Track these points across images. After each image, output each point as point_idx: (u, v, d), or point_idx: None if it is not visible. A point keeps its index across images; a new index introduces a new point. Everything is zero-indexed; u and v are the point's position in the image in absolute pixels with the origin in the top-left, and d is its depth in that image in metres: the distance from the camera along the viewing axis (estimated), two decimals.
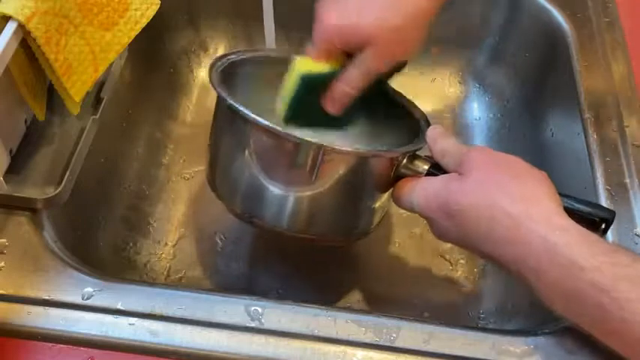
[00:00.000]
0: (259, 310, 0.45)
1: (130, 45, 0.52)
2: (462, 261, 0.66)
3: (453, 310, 0.63)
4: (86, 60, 0.45)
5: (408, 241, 0.67)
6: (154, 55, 0.64)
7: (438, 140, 0.48)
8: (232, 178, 0.51)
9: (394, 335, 0.44)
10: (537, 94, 0.70)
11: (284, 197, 0.49)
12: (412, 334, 0.44)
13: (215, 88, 0.47)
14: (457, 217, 0.43)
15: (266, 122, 0.45)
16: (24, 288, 0.45)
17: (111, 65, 0.52)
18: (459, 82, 0.77)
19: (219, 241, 0.65)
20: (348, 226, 0.53)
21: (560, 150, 0.63)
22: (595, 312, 0.38)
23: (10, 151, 0.49)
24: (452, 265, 0.66)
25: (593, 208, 0.47)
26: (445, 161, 0.47)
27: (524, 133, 0.70)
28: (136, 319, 0.44)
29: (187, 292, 0.46)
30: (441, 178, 0.46)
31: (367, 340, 0.44)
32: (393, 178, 0.49)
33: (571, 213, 0.42)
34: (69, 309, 0.44)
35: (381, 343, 0.44)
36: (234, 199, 0.52)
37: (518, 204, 0.41)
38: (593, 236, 0.40)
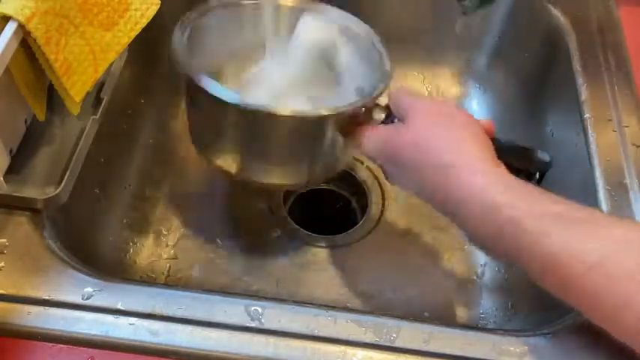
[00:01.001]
0: (259, 310, 0.45)
1: (130, 45, 0.52)
2: (462, 261, 0.66)
3: (453, 310, 0.63)
4: (86, 60, 0.45)
5: (407, 241, 0.67)
6: (154, 55, 0.63)
7: (395, 94, 0.50)
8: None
9: (394, 335, 0.44)
10: (537, 94, 0.70)
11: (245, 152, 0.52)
12: (412, 334, 0.44)
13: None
14: (400, 167, 0.47)
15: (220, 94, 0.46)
16: (24, 288, 0.45)
17: (111, 65, 0.52)
18: (459, 82, 0.77)
19: (219, 241, 0.65)
20: (309, 172, 0.55)
21: (560, 150, 0.63)
22: (510, 245, 0.41)
23: (10, 151, 0.49)
24: (452, 265, 0.66)
25: (527, 160, 0.52)
26: (397, 112, 0.49)
27: (524, 132, 0.70)
28: (136, 319, 0.44)
29: (187, 292, 0.46)
30: (386, 129, 0.48)
31: (367, 340, 0.44)
32: (349, 127, 0.50)
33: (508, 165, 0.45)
34: (69, 309, 0.44)
35: (381, 343, 0.44)
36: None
37: (448, 154, 0.44)
38: (510, 177, 0.43)
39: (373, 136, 0.49)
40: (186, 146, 0.71)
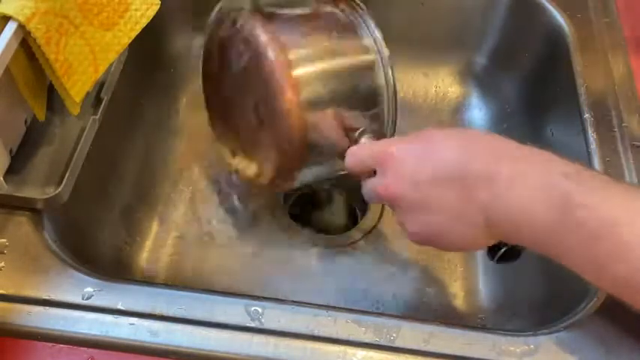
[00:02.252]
0: (259, 310, 0.45)
1: (130, 45, 0.52)
2: (462, 261, 0.66)
3: (453, 310, 0.63)
4: (86, 60, 0.45)
5: (407, 241, 0.67)
6: (154, 55, 0.64)
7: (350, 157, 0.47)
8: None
9: (394, 335, 0.44)
10: (537, 94, 0.70)
11: None
12: (412, 334, 0.44)
13: None
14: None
15: None
16: (24, 288, 0.45)
17: (111, 65, 0.52)
18: (459, 83, 0.77)
19: (219, 241, 0.65)
20: None
21: (560, 150, 0.63)
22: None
23: (10, 151, 0.49)
24: (452, 265, 0.66)
25: None
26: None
27: (524, 132, 0.70)
28: (136, 319, 0.44)
29: (187, 292, 0.46)
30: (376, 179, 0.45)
31: (367, 340, 0.44)
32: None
33: None
34: (69, 309, 0.44)
35: (381, 343, 0.44)
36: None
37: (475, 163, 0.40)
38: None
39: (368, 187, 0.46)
40: (187, 145, 0.71)
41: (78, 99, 0.46)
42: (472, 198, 0.40)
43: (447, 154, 0.41)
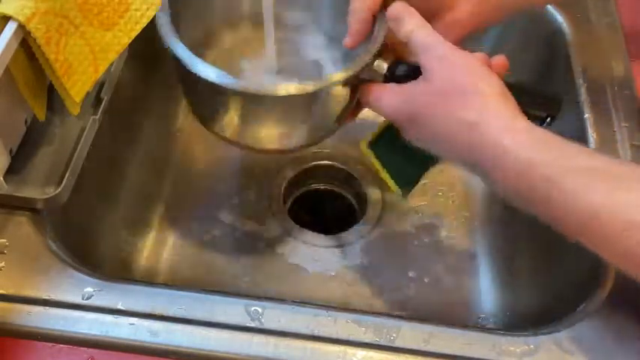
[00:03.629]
0: (259, 310, 0.45)
1: (130, 44, 0.52)
2: (461, 260, 0.66)
3: (452, 310, 0.63)
4: (86, 60, 0.45)
5: (407, 240, 0.67)
6: (154, 55, 0.63)
7: (401, 20, 0.46)
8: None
9: (394, 335, 0.44)
10: None
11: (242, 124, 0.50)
12: (412, 334, 0.44)
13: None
14: (422, 127, 0.45)
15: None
16: (24, 288, 0.45)
17: (111, 65, 0.52)
18: None
19: (219, 240, 0.65)
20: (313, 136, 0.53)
21: None
22: (543, 202, 0.40)
23: (10, 151, 0.49)
24: (452, 264, 0.66)
25: (541, 105, 0.49)
26: (409, 48, 0.46)
27: None
28: (136, 319, 0.44)
29: (187, 292, 0.46)
30: (406, 89, 0.46)
31: (367, 340, 0.44)
32: (352, 90, 0.49)
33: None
34: (69, 309, 0.44)
35: (381, 343, 0.44)
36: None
37: (473, 111, 0.42)
38: (540, 132, 0.42)
39: (390, 97, 0.46)
40: (187, 146, 0.71)
41: (78, 99, 0.46)
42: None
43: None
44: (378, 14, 0.48)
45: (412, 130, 0.46)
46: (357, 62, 0.46)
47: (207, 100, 0.50)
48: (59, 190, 0.49)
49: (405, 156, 0.54)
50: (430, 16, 0.48)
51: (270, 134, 0.52)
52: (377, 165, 0.62)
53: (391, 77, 0.48)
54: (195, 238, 0.65)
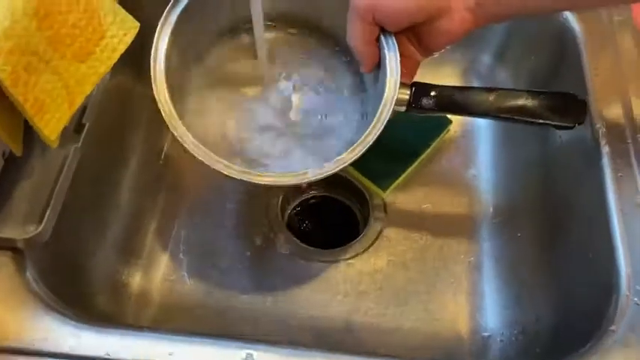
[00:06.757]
0: (253, 353, 0.43)
1: (113, 66, 0.49)
2: (466, 273, 0.63)
3: (458, 327, 0.61)
4: (60, 96, 0.42)
5: (409, 255, 0.65)
6: (139, 76, 0.60)
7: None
8: None
9: None
10: None
11: None
12: None
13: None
14: None
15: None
16: (7, 336, 0.43)
17: (93, 89, 0.49)
18: (462, 83, 0.73)
19: (215, 262, 0.63)
20: None
21: (569, 158, 0.60)
22: None
23: None
24: (457, 281, 0.63)
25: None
26: None
27: (531, 137, 0.66)
28: None
29: (178, 337, 0.44)
30: None
31: None
32: None
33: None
34: (54, 358, 0.42)
35: None
36: None
37: None
38: None
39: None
40: (178, 169, 0.68)
41: (53, 137, 0.43)
42: None
43: None
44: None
45: None
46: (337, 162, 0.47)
47: None
48: (40, 228, 0.46)
49: (382, 159, 0.56)
50: (422, 23, 0.47)
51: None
52: (355, 174, 0.67)
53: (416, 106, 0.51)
54: (189, 261, 0.63)
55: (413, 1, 0.45)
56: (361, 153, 0.47)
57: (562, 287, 0.57)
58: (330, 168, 0.47)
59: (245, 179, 0.46)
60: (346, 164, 0.47)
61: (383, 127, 0.47)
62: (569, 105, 0.52)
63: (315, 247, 0.65)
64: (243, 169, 0.47)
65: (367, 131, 0.47)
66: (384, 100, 0.48)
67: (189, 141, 0.46)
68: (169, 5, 0.49)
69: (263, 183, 0.46)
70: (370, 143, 0.47)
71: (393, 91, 0.48)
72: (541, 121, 0.52)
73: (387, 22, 0.47)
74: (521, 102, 0.51)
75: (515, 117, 0.52)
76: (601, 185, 0.53)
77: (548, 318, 0.57)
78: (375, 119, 0.48)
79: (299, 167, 0.49)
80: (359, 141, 0.47)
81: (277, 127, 0.54)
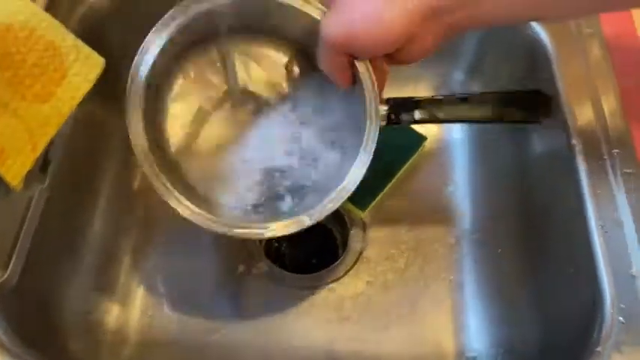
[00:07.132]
0: None
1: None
2: (448, 292, 0.63)
3: (442, 346, 0.61)
4: (21, 140, 0.41)
5: (390, 275, 0.64)
6: (108, 104, 0.58)
7: None
8: None
9: None
10: None
11: None
12: None
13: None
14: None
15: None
16: None
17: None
18: None
19: (191, 295, 0.61)
20: None
21: (546, 170, 0.60)
22: None
23: None
24: (439, 300, 0.63)
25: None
26: None
27: (508, 151, 0.66)
28: None
29: None
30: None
31: None
32: None
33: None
34: None
35: None
36: None
37: None
38: None
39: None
40: (150, 201, 0.66)
41: (16, 182, 0.41)
42: None
43: None
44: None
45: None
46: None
47: None
48: (6, 275, 0.44)
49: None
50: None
51: None
52: None
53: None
54: (167, 297, 0.61)
55: (389, 34, 0.44)
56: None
57: (546, 304, 0.57)
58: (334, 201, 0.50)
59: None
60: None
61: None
62: (536, 101, 0.57)
63: (296, 272, 0.64)
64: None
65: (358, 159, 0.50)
66: (368, 122, 0.50)
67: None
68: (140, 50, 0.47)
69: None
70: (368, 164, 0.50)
71: (374, 108, 0.50)
72: (511, 119, 0.56)
73: (361, 54, 0.47)
74: (491, 104, 0.55)
75: (488, 119, 0.55)
76: (580, 201, 0.52)
77: (534, 337, 0.57)
78: (365, 139, 0.50)
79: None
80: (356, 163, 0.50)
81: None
